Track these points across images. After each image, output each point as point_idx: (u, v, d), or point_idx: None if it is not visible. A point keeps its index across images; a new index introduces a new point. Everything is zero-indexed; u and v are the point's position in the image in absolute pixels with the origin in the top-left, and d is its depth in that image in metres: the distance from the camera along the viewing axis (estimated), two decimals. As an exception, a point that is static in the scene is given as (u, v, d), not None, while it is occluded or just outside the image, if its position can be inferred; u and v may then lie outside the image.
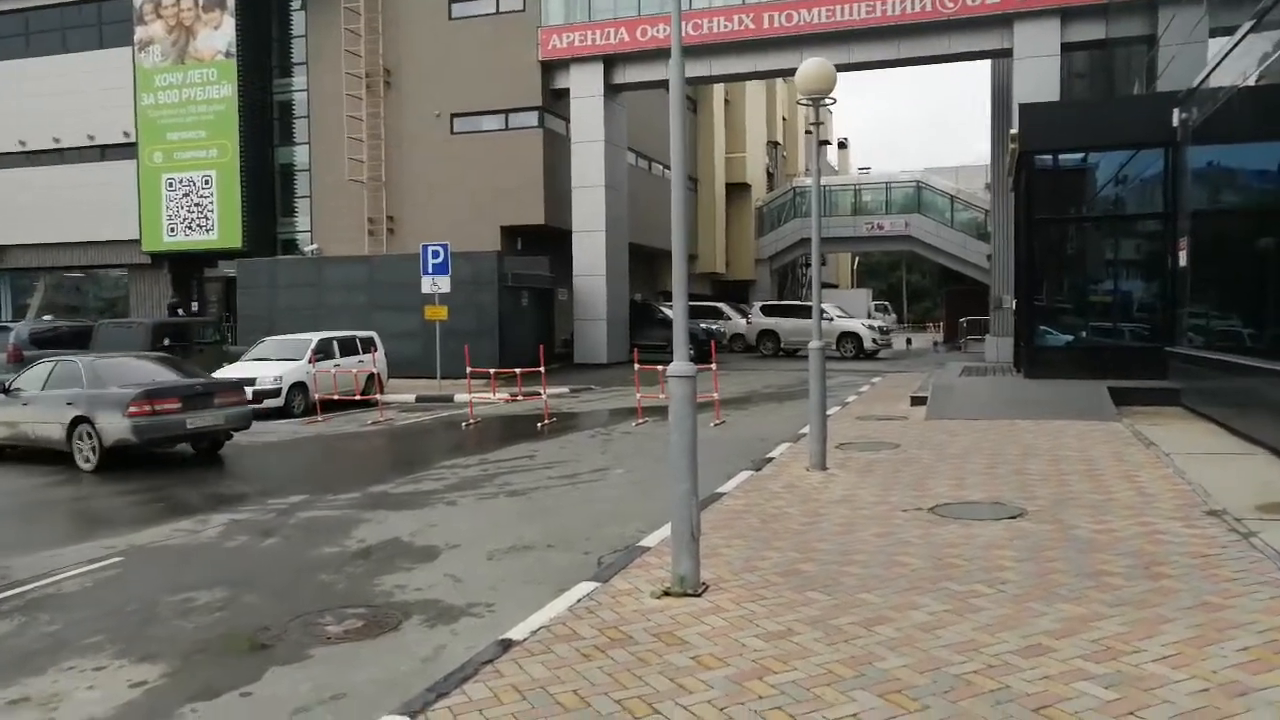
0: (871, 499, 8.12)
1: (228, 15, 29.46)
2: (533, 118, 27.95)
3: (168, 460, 12.97)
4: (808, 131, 58.43)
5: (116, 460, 12.01)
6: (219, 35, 29.60)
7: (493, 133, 28.27)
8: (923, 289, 73.26)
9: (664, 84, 28.54)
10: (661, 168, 35.79)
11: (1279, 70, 10.80)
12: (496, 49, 27.76)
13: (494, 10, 28.23)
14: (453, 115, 28.55)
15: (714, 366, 15.84)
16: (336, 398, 17.67)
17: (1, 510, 10.07)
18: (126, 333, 18.88)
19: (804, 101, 9.64)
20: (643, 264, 34.76)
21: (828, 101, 9.54)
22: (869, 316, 53.67)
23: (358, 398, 17.89)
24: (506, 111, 28.14)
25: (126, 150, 31.09)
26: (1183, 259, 14.28)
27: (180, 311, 30.20)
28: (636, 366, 15.81)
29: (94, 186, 31.50)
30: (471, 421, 15.84)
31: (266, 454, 13.75)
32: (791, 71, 28.39)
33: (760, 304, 33.56)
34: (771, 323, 31.45)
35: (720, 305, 35.37)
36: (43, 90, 31.76)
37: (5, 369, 18.44)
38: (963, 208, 42.32)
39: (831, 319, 31.30)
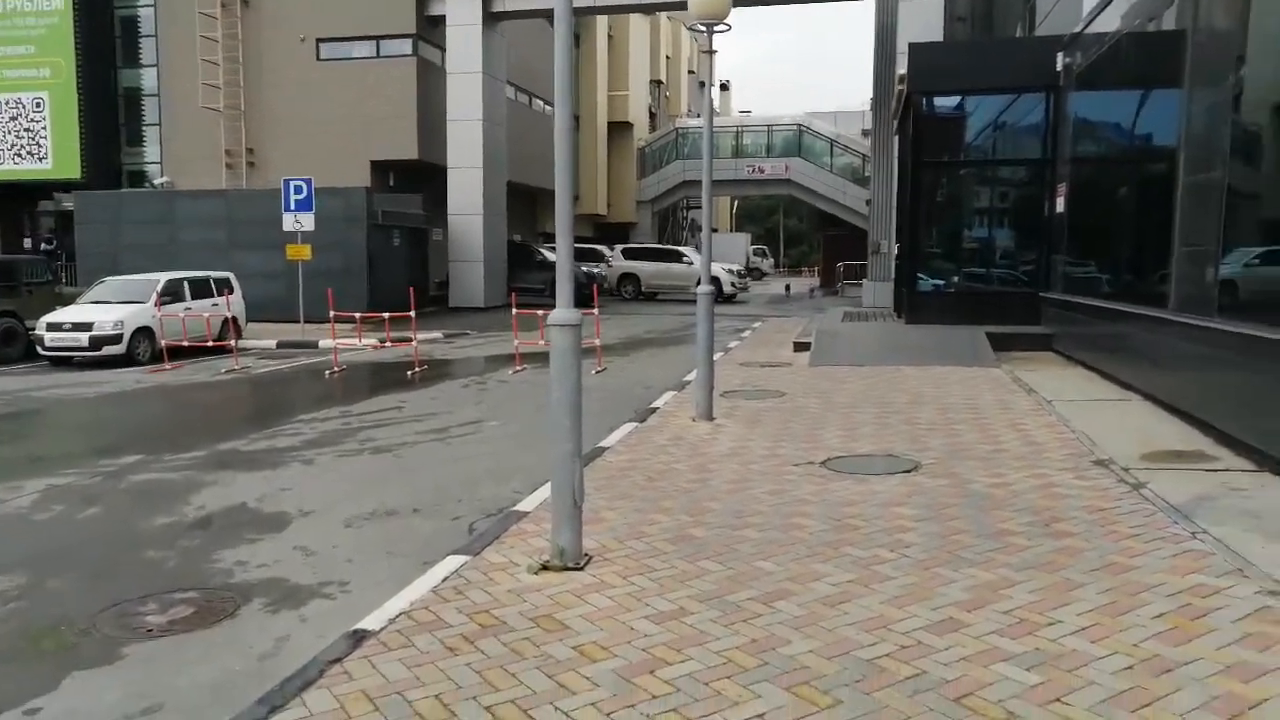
0: (762, 452, 7.72)
1: (58, -82, 26.55)
2: (406, 45, 26.32)
3: (-15, 415, 11.58)
4: (691, 72, 57.92)
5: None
6: (44, -59, 26.67)
7: (363, 60, 26.53)
8: (800, 233, 74.19)
9: (547, 13, 27.27)
10: (543, 104, 34.54)
11: (1158, 17, 10.78)
12: (365, -31, 25.91)
13: (363, -73, 26.30)
14: (319, 40, 26.63)
15: (596, 311, 15.23)
16: (186, 344, 16.29)
17: None
18: (-60, 271, 16.92)
19: (697, 27, 8.97)
20: (523, 203, 33.64)
21: (721, 28, 8.90)
22: (748, 260, 54.17)
23: (210, 344, 16.55)
24: (378, 38, 26.42)
25: (-59, 66, 27.88)
26: (1060, 205, 14.38)
27: (45, 247, 27.43)
28: (514, 311, 15.05)
29: (-97, 106, 28.22)
30: (335, 370, 14.82)
31: (101, 407, 12.46)
32: (678, 5, 27.69)
33: (620, 247, 33.08)
34: (632, 266, 31.13)
35: (601, 248, 34.70)
36: None
37: None
38: (842, 152, 42.65)
39: (692, 263, 32.01)
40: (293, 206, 18.60)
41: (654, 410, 10.01)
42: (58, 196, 28.18)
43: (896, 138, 21.83)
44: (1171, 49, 9.91)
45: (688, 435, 8.54)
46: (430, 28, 26.58)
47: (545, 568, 5.03)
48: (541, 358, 15.15)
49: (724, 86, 72.84)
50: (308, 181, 18.67)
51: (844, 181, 40.90)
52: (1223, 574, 4.56)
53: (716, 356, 13.82)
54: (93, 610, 4.98)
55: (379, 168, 26.66)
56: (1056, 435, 8.01)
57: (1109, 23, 12.20)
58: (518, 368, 14.34)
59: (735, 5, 8.89)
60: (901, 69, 17.88)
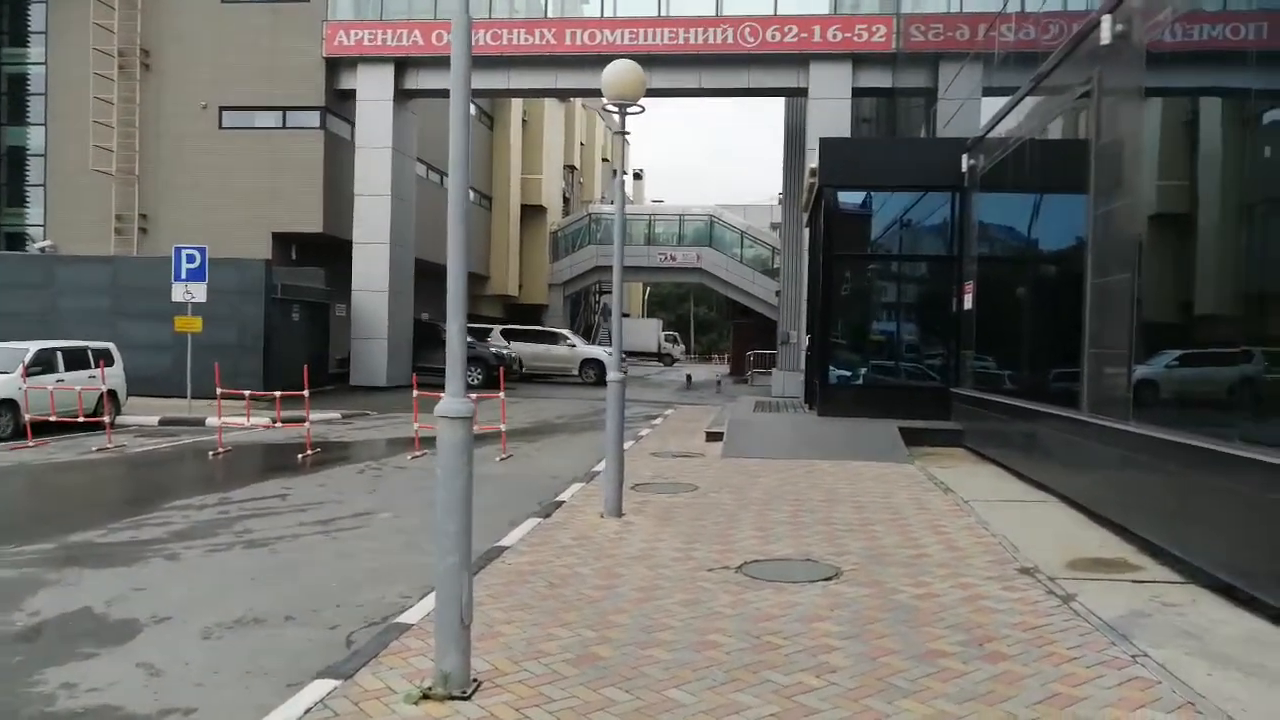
0: (673, 554, 7.21)
1: (-54, -32, 25.45)
2: (314, 118, 25.77)
3: None
4: (604, 159, 58.69)
5: None
6: (-67, -9, 25.48)
7: (268, 130, 25.84)
8: (710, 321, 75.11)
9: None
10: (454, 183, 34.21)
11: (1058, 126, 11.07)
12: (275, 40, 25.43)
13: (274, -3, 25.90)
14: (221, 108, 25.87)
15: (501, 394, 14.64)
16: (54, 419, 15.03)
17: None
18: None
19: (610, 108, 8.73)
20: (431, 282, 32.89)
21: (635, 110, 8.67)
22: (659, 345, 54.31)
23: (82, 419, 15.31)
24: (285, 109, 25.81)
25: None
26: (967, 301, 14.55)
27: None
28: (415, 393, 14.34)
29: None
30: (220, 451, 13.80)
31: (-54, 489, 11.23)
32: (592, 92, 27.82)
33: (500, 329, 32.67)
34: (512, 348, 30.75)
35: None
36: None
37: None
38: (752, 244, 43.39)
39: (574, 345, 32.59)
40: (184, 276, 17.63)
41: (560, 504, 9.42)
42: (-73, 257, 26.40)
43: (807, 230, 22.13)
44: (1074, 154, 10.12)
45: (595, 534, 7.97)
46: (339, 101, 26.14)
47: (426, 696, 4.39)
48: (442, 443, 14.50)
49: (637, 175, 74.10)
50: (201, 250, 17.76)
51: (754, 272, 41.51)
52: (1174, 709, 4.20)
53: (627, 445, 13.35)
54: None
55: (281, 240, 25.78)
56: (977, 539, 7.72)
57: (1011, 127, 12.53)
58: (416, 453, 13.59)
59: (651, 96, 8.70)
60: (812, 163, 18.14)
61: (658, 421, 18.68)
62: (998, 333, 13.35)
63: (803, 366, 21.97)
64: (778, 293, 31.59)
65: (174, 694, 4.82)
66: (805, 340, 21.16)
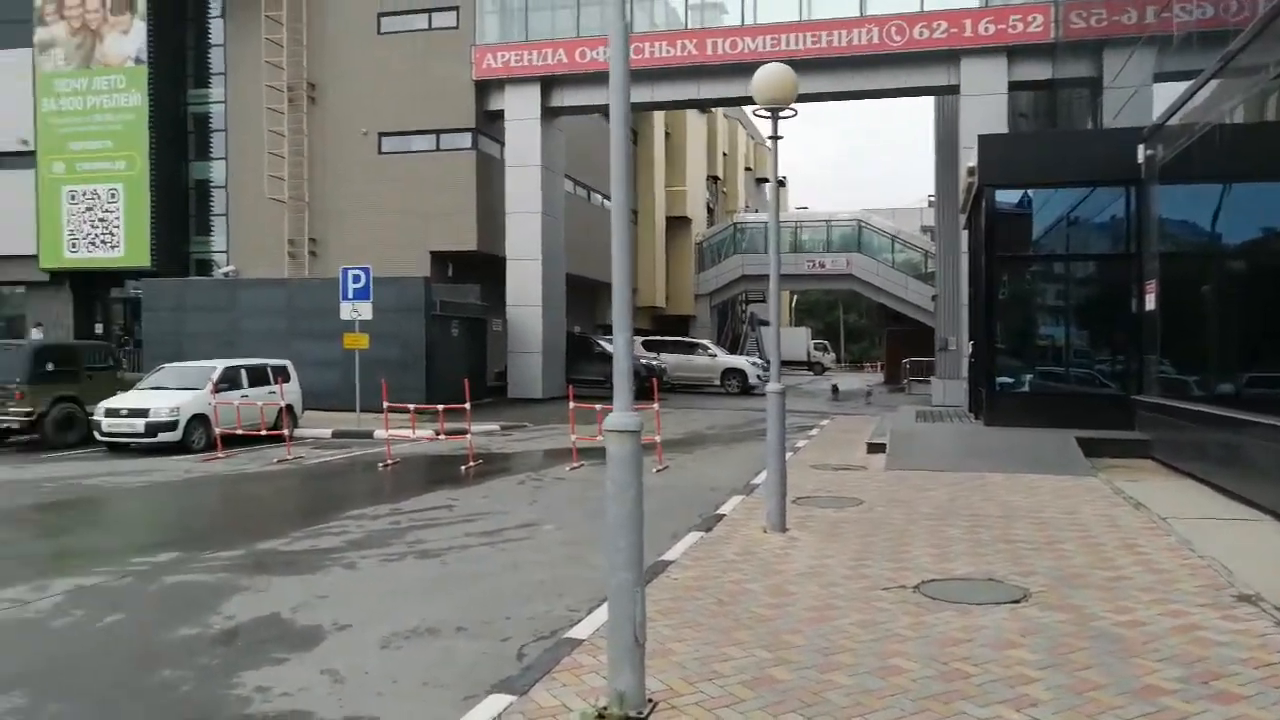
0: (844, 572, 6.93)
1: (138, 19, 27.64)
2: (465, 139, 26.65)
3: (33, 503, 11.23)
4: (748, 169, 58.33)
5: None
6: (128, 40, 27.74)
7: (423, 153, 26.89)
8: (860, 329, 73.40)
9: (603, 108, 27.53)
10: (601, 197, 34.75)
11: (1252, 109, 10.13)
12: (428, 67, 26.47)
13: (426, 26, 26.95)
14: (380, 134, 27.11)
15: (656, 406, 14.61)
16: (240, 432, 16.01)
17: None
18: (6, 355, 16.92)
19: (761, 113, 8.54)
20: (582, 296, 33.58)
21: (787, 114, 8.46)
22: (808, 355, 53.44)
23: (264, 432, 16.24)
24: (438, 132, 26.80)
25: (26, 159, 28.87)
26: (1150, 302, 13.54)
27: (35, 333, 27.70)
28: (571, 404, 14.50)
29: (-11, 197, 29.25)
30: (388, 463, 14.34)
31: (148, 497, 12.09)
32: (735, 100, 27.89)
33: (640, 340, 32.66)
34: (654, 358, 30.66)
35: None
36: (-65, 92, 29.50)
37: None
38: (902, 248, 42.12)
39: (715, 355, 32.44)
40: (350, 295, 18.49)
41: (720, 517, 9.27)
42: (129, 284, 28.76)
43: (965, 232, 21.21)
44: (1276, 137, 9.24)
45: (760, 549, 7.77)
46: (489, 122, 26.93)
47: (601, 716, 4.31)
48: (600, 453, 14.53)
49: (781, 182, 73.34)
50: (365, 270, 18.59)
51: (906, 277, 40.26)
52: None
53: (786, 457, 13.10)
54: (89, 749, 4.36)
55: (438, 258, 26.76)
56: (1182, 560, 7.09)
57: (1197, 113, 11.58)
58: (575, 464, 13.72)
59: (796, 102, 8.46)
60: (969, 162, 17.36)
61: (814, 432, 18.27)
62: (1192, 335, 12.32)
63: (965, 374, 21.05)
64: (934, 298, 30.49)
65: (357, 702, 4.93)
66: (967, 346, 20.27)
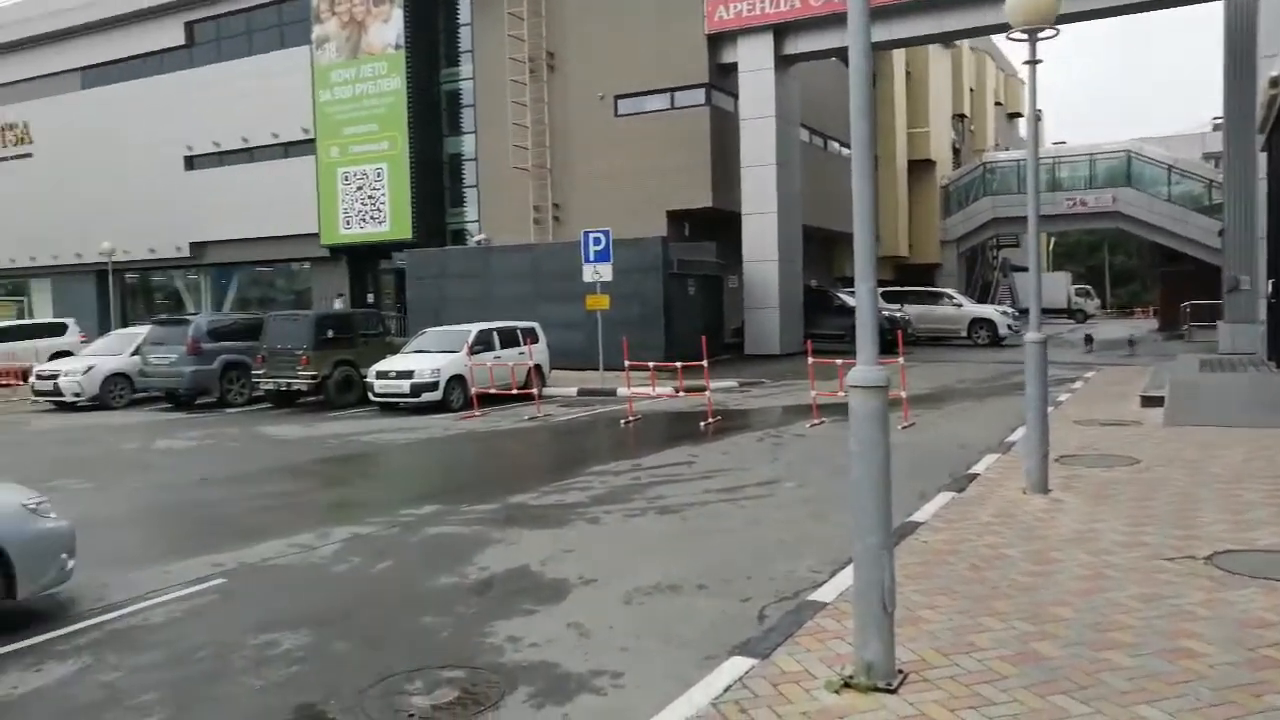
0: (1118, 538, 6.25)
1: (396, 8, 29.55)
2: (699, 95, 26.50)
3: (319, 458, 12.45)
4: (998, 104, 54.33)
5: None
6: (388, 28, 29.76)
7: (658, 113, 27.02)
8: (1128, 270, 66.87)
9: (840, 52, 26.49)
10: (839, 145, 33.57)
11: None
12: (660, 25, 26.48)
13: (658, -16, 26.94)
14: (616, 97, 27.50)
15: (900, 359, 13.93)
16: (494, 391, 16.93)
17: (140, 510, 9.64)
18: (292, 324, 18.84)
19: (1017, 36, 7.74)
20: (819, 248, 32.75)
21: (1048, 34, 7.61)
22: (1069, 301, 49.44)
23: (515, 391, 17.09)
24: (672, 90, 26.81)
25: (306, 146, 31.87)
26: None
27: (337, 303, 30.56)
28: (810, 360, 14.14)
29: (278, 183, 32.52)
30: (630, 419, 14.66)
31: (415, 452, 13.05)
32: (982, 30, 25.87)
33: (883, 290, 30.92)
34: (896, 309, 28.96)
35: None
36: (234, 92, 33.05)
37: (184, 360, 18.81)
38: (1180, 179, 37.72)
39: (960, 304, 30.73)
40: (592, 258, 18.98)
41: (973, 477, 8.69)
42: (395, 255, 31.18)
43: (1264, 155, 18.58)
44: None
45: (1019, 511, 7.19)
46: (722, 76, 26.60)
47: (848, 685, 4.09)
48: (841, 409, 14.08)
49: (1038, 116, 67.85)
50: (605, 233, 19.00)
51: (1185, 211, 36.04)
52: None
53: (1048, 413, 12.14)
54: (362, 684, 4.69)
55: (675, 217, 26.93)
56: None
57: None
58: (815, 421, 13.39)
59: (1058, 22, 7.56)
60: (1271, 71, 15.08)
61: (1077, 385, 16.82)
62: None
63: (1261, 317, 18.57)
64: (1220, 232, 27.12)
65: (602, 656, 5.00)
66: (1265, 286, 17.84)
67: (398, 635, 5.51)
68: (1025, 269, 53.80)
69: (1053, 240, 62.43)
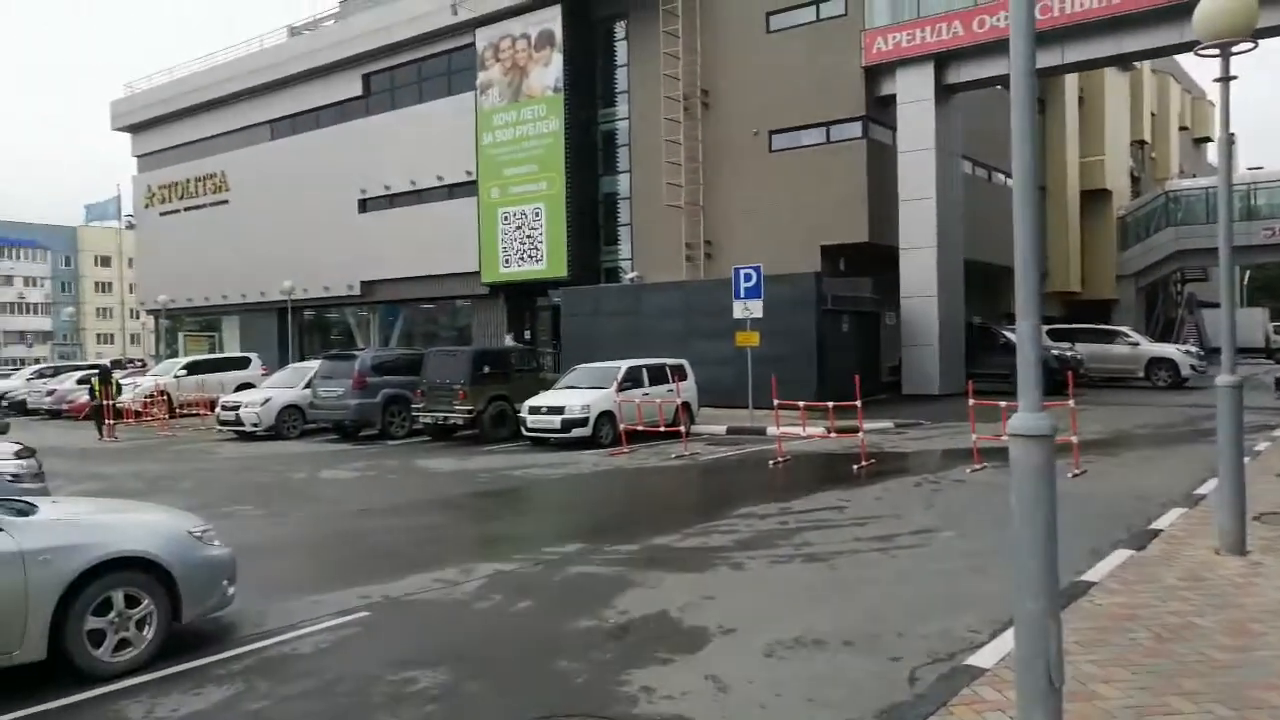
0: (1334, 612, 5.50)
1: (556, 52, 30.50)
2: (855, 128, 26.01)
3: (471, 491, 12.71)
4: (1183, 128, 50.99)
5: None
6: (548, 72, 30.73)
7: (813, 147, 26.67)
8: (1338, 306, 60.85)
9: (1004, 80, 25.45)
10: (1003, 176, 32.21)
11: None
12: (817, 59, 26.20)
13: (814, 18, 26.68)
14: (770, 132, 27.34)
15: (1070, 402, 13.00)
16: (642, 428, 16.91)
17: (303, 538, 10.06)
18: (451, 360, 19.49)
19: (1207, 51, 7.10)
20: (982, 283, 31.35)
21: (1245, 47, 6.94)
22: (1268, 340, 45.42)
23: (663, 428, 17.01)
24: (827, 124, 26.43)
25: (469, 188, 33.20)
26: None
27: (517, 339, 31.50)
28: (970, 401, 13.39)
29: (442, 223, 34.00)
30: (779, 460, 14.29)
31: (562, 488, 13.14)
32: (1165, 50, 24.32)
33: (1048, 328, 28.88)
34: (1067, 348, 27.00)
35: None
36: (404, 138, 34.93)
37: (350, 394, 19.74)
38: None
39: (1136, 343, 28.35)
40: (742, 294, 18.77)
41: (1155, 533, 7.92)
42: (550, 293, 31.94)
43: None
44: None
45: (1210, 574, 6.46)
46: (880, 108, 26.02)
47: (1012, 768, 3.68)
48: (1005, 454, 13.30)
49: (1231, 139, 63.12)
50: (756, 269, 18.77)
51: None
52: None
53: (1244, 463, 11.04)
54: (492, 731, 4.61)
55: (829, 253, 26.41)
56: None
57: None
58: (976, 466, 12.66)
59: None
60: None
61: (1278, 433, 15.27)
62: None
63: None
64: None
65: (739, 714, 4.76)
66: None
67: (532, 678, 5.42)
68: (1215, 305, 49.92)
69: (1248, 274, 57.70)
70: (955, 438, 16.18)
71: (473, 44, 32.67)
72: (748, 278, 18.80)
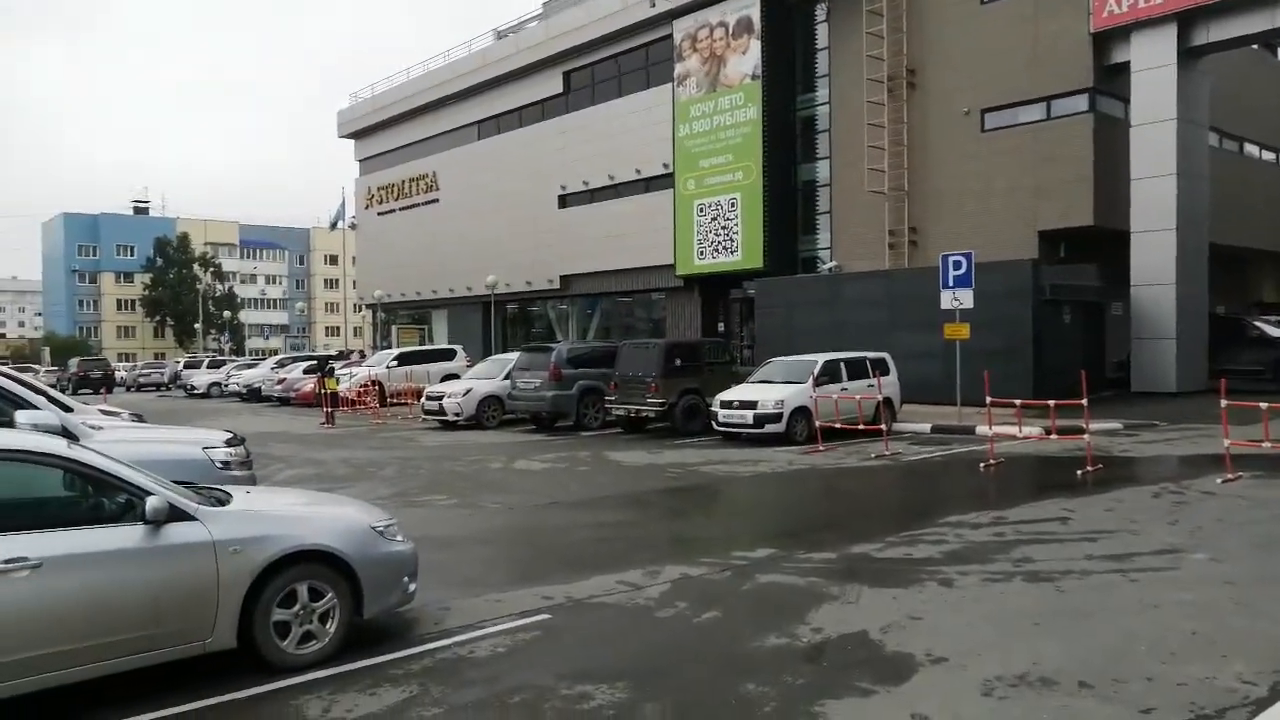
0: None
1: (754, 39, 29.82)
2: (1081, 101, 23.79)
3: (660, 487, 12.40)
4: None
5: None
6: (746, 59, 30.10)
7: (1031, 125, 24.64)
8: None
9: (1264, 36, 22.61)
10: (1256, 149, 28.70)
11: None
12: (1036, 28, 24.17)
13: (1035, -16, 24.67)
14: (983, 111, 25.51)
15: (1350, 405, 11.11)
16: (839, 425, 16.06)
17: (492, 531, 10.05)
18: (644, 352, 19.31)
19: None
20: (1228, 269, 28.07)
21: None
22: None
23: (861, 426, 16.08)
24: (1048, 99, 24.32)
25: (666, 180, 33.13)
26: None
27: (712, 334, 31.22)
28: (1224, 402, 11.70)
29: (638, 217, 34.14)
30: (991, 463, 13.11)
31: (753, 487, 12.60)
32: None
33: (1261, 319, 24.95)
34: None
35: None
36: (602, 133, 35.37)
37: (546, 385, 19.99)
38: None
39: None
40: (951, 283, 17.51)
41: None
42: (745, 284, 31.35)
43: None
44: None
45: None
46: (1109, 78, 23.66)
47: None
48: (1264, 463, 11.58)
49: None
50: (967, 256, 17.45)
51: None
52: None
53: None
54: (667, 764, 4.16)
55: (1047, 238, 24.35)
56: None
57: None
58: (1229, 475, 11.04)
59: None
60: None
61: None
62: None
63: None
64: None
65: (953, 768, 4.07)
66: None
67: (715, 702, 4.94)
68: None
69: None
70: (1199, 442, 14.40)
71: (670, 36, 32.57)
72: (957, 265, 17.53)
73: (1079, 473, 12.02)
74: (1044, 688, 4.96)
